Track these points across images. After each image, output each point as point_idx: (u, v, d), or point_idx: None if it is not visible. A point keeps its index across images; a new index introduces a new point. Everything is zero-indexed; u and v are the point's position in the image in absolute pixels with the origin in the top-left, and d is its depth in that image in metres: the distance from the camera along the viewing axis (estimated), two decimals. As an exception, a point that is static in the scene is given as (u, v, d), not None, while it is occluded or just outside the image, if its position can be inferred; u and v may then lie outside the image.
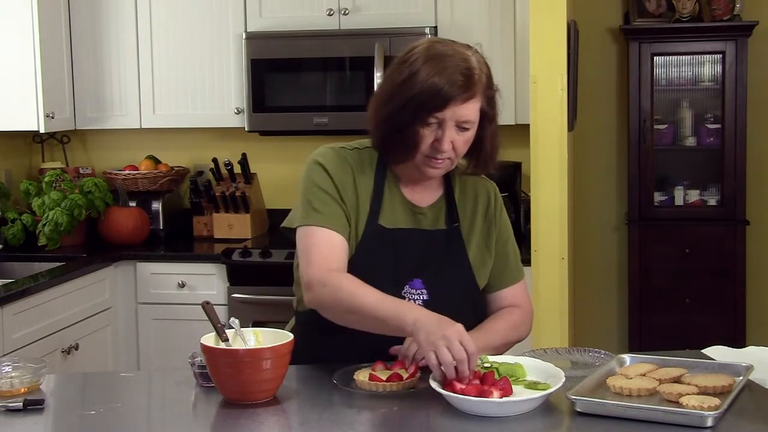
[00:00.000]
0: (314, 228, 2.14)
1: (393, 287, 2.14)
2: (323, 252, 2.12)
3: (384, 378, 1.97)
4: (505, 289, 2.30)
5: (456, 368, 1.88)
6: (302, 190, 2.19)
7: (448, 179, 2.26)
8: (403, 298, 2.15)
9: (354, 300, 2.04)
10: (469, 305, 2.22)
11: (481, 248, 2.26)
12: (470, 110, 2.08)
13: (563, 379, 1.89)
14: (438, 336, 1.90)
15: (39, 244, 4.22)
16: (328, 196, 2.15)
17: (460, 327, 1.93)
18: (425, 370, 1.96)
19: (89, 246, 4.34)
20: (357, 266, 2.15)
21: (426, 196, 2.24)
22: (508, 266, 2.30)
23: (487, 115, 2.13)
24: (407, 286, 2.17)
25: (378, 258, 2.16)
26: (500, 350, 2.19)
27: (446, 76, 2.04)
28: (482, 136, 2.14)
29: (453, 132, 2.08)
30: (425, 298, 2.17)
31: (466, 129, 2.10)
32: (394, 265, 2.17)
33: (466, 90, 2.05)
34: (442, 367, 1.88)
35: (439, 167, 2.14)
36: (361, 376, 2.01)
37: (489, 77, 2.12)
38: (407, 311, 1.98)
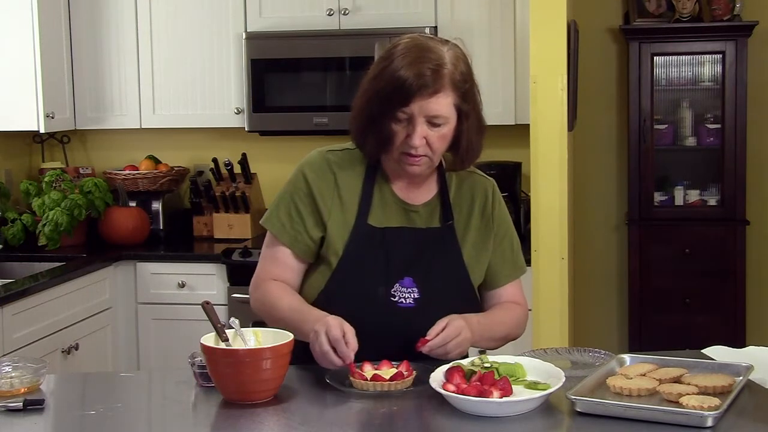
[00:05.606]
0: (273, 238, 2.24)
1: (383, 286, 2.15)
2: (268, 263, 2.25)
3: (387, 377, 1.97)
4: (503, 287, 2.29)
5: (337, 351, 1.97)
6: (280, 193, 2.25)
7: (443, 177, 2.24)
8: (394, 296, 2.15)
9: (274, 307, 2.18)
10: (462, 304, 2.20)
11: (477, 246, 2.24)
12: (440, 105, 2.05)
13: (563, 379, 1.89)
14: (320, 325, 2.00)
15: (39, 244, 4.22)
16: (297, 212, 2.20)
17: (341, 320, 2.01)
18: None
19: (89, 246, 4.34)
20: (347, 266, 2.16)
21: (420, 194, 2.22)
22: (506, 263, 2.29)
23: (463, 111, 2.10)
24: (397, 285, 2.16)
25: (367, 257, 2.16)
26: (498, 344, 2.21)
27: (413, 70, 2.03)
28: (459, 132, 2.11)
29: (424, 128, 2.06)
30: (416, 296, 2.16)
31: (439, 125, 2.07)
32: (384, 264, 2.16)
33: (433, 84, 2.03)
34: (322, 357, 1.98)
35: (417, 164, 2.11)
36: (366, 373, 2.00)
37: (464, 73, 2.08)
38: (311, 321, 2.06)
